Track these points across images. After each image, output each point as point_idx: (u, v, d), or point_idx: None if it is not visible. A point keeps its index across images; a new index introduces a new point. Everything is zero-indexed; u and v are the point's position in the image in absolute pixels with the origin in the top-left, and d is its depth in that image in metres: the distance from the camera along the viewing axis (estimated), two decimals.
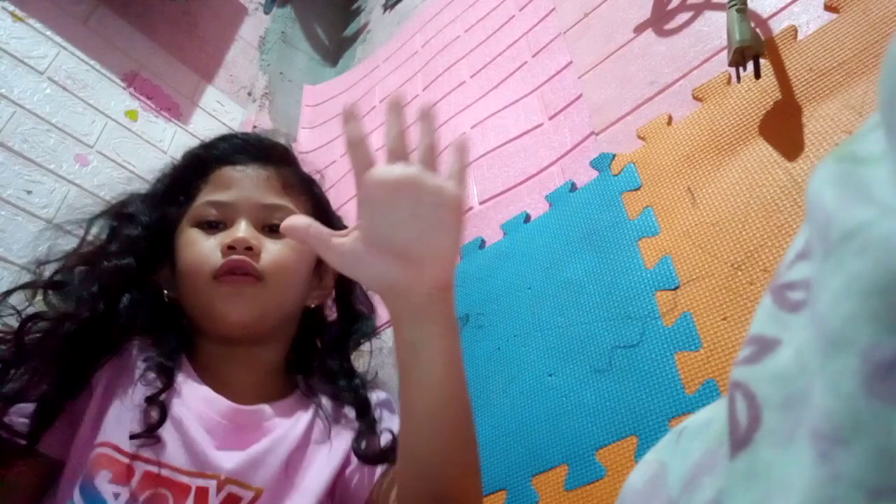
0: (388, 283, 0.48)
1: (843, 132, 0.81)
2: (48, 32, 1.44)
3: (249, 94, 1.89)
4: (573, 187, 1.11)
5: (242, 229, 0.67)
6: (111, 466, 0.56)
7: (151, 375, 0.62)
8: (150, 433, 0.58)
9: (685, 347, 0.80)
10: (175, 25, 1.79)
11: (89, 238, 0.70)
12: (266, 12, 2.16)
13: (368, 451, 0.66)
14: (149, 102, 1.58)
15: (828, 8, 0.93)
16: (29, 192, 1.25)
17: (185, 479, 0.57)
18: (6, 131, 1.26)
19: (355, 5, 2.53)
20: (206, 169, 0.73)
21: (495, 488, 0.87)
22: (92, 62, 1.51)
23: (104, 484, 0.55)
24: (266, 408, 0.66)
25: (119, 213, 0.72)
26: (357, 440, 0.67)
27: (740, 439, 0.21)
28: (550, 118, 1.27)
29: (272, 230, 0.69)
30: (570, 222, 1.06)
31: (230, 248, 0.65)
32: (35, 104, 1.34)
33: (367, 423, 0.69)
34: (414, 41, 1.89)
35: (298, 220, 0.48)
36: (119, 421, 0.59)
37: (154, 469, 0.57)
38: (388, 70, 1.91)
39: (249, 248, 0.66)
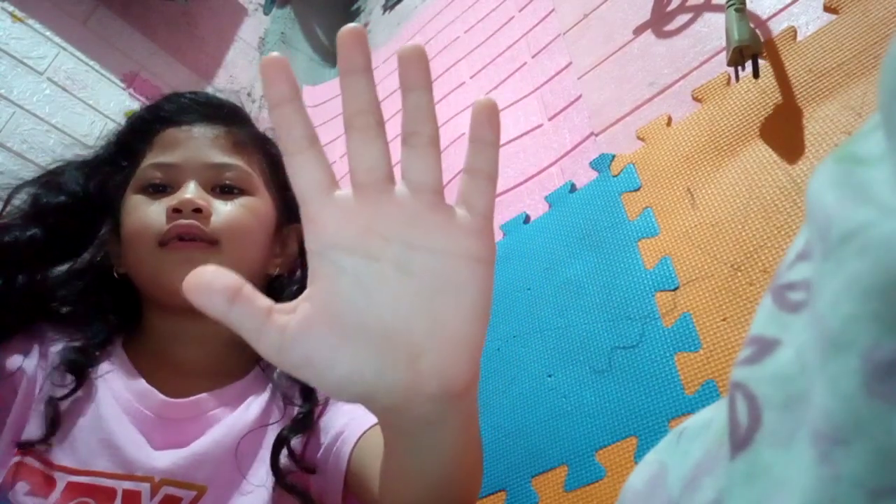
0: (365, 392, 0.29)
1: (843, 133, 0.81)
2: (48, 33, 1.44)
3: (249, 94, 1.89)
4: (573, 188, 1.11)
5: (190, 190, 0.60)
6: (29, 477, 0.51)
7: (67, 375, 0.56)
8: (43, 441, 0.52)
9: (685, 348, 0.80)
10: (175, 26, 1.79)
11: (13, 210, 0.63)
12: (266, 13, 2.17)
13: (297, 455, 0.58)
14: (148, 103, 1.58)
15: (827, 9, 0.93)
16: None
17: (108, 483, 0.52)
18: (6, 132, 1.26)
19: (355, 6, 2.53)
20: (151, 131, 0.67)
21: (495, 489, 0.87)
22: (92, 63, 1.51)
23: (20, 496, 0.50)
24: (207, 397, 0.59)
25: (46, 182, 0.65)
26: (291, 429, 0.58)
27: (741, 440, 0.21)
28: (550, 119, 1.27)
29: (224, 191, 0.64)
30: (570, 223, 1.06)
31: (176, 212, 0.59)
32: (35, 105, 1.34)
33: (309, 405, 0.61)
34: (414, 42, 1.89)
35: (217, 277, 0.28)
36: (37, 425, 0.53)
37: (75, 479, 0.52)
38: (387, 71, 1.91)
39: (198, 211, 0.59)
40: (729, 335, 0.77)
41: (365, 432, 0.56)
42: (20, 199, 0.65)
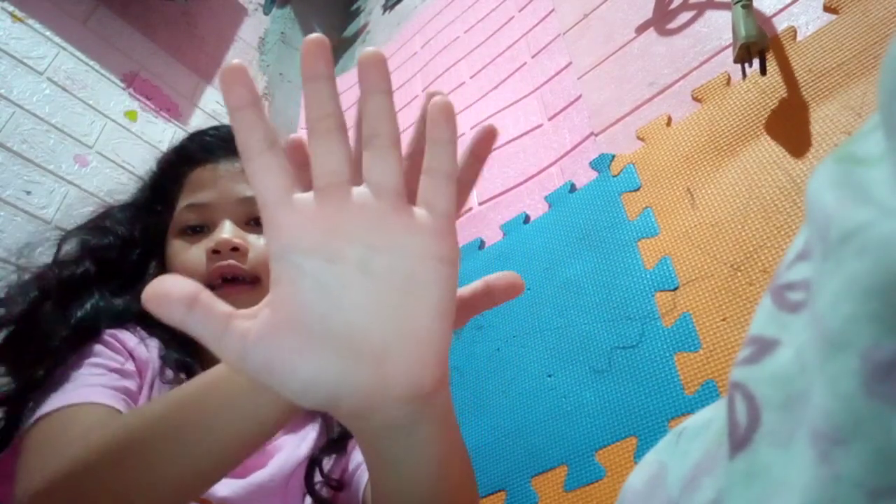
0: (329, 395, 0.28)
1: (843, 133, 0.81)
2: (48, 33, 1.44)
3: None
4: (573, 188, 1.11)
5: (226, 230, 0.63)
6: None
7: (170, 372, 0.58)
8: None
9: (685, 348, 0.80)
10: (174, 26, 1.78)
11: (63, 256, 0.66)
12: (266, 13, 2.16)
13: (325, 472, 0.61)
14: (148, 103, 1.59)
15: (827, 9, 0.93)
16: (28, 193, 1.25)
17: None
18: (6, 132, 1.26)
19: (355, 6, 2.53)
20: (181, 173, 0.70)
21: (495, 489, 0.87)
22: (91, 62, 1.51)
23: None
24: None
25: (92, 227, 0.69)
26: (322, 449, 0.62)
27: (740, 440, 0.21)
28: (550, 119, 1.27)
29: (258, 224, 0.65)
30: (570, 223, 1.06)
31: (215, 253, 0.61)
32: (34, 104, 1.34)
33: (341, 429, 0.63)
34: (414, 42, 1.89)
35: (175, 285, 0.27)
36: None
37: None
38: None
39: (235, 249, 0.62)
40: (729, 335, 0.77)
41: None
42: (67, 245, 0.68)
